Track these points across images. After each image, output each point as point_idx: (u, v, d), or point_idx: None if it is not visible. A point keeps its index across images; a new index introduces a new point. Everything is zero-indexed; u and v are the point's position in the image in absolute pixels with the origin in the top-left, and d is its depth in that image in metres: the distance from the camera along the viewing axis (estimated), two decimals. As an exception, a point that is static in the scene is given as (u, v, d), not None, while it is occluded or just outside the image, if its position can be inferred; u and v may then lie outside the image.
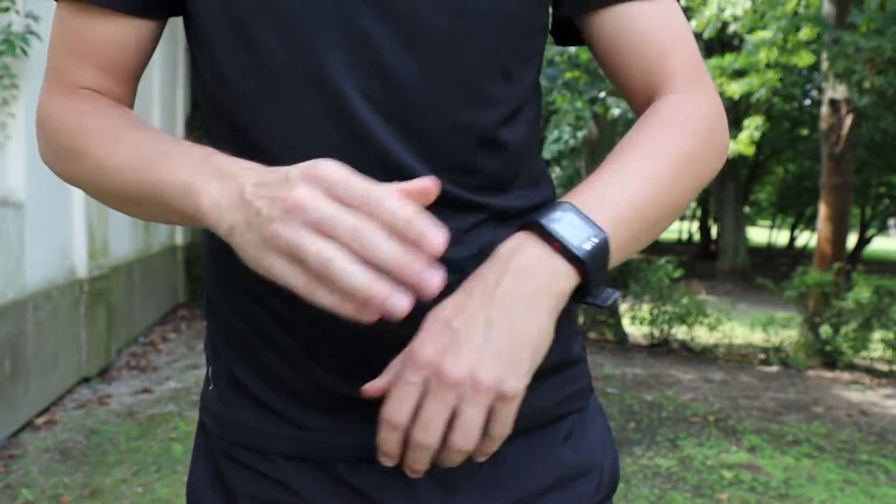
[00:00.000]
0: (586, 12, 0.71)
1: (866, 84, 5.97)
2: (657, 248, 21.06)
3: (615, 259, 0.62)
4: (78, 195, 4.52)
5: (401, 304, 0.50)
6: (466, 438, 0.56)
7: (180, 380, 4.72)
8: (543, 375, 0.66)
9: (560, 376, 0.75)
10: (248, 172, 0.55)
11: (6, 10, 3.48)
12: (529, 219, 0.60)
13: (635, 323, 6.55)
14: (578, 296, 0.61)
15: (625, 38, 0.70)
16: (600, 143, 8.19)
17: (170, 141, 0.63)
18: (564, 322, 0.73)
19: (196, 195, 0.57)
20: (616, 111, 6.79)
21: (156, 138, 0.64)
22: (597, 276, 0.59)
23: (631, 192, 0.62)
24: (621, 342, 6.53)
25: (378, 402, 0.59)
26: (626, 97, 0.75)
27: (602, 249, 0.59)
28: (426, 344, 0.56)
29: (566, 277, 0.58)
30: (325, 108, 0.64)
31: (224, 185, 0.55)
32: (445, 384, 0.54)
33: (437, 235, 0.50)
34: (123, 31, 0.71)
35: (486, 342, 0.55)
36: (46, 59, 0.74)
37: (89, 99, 0.70)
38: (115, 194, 0.66)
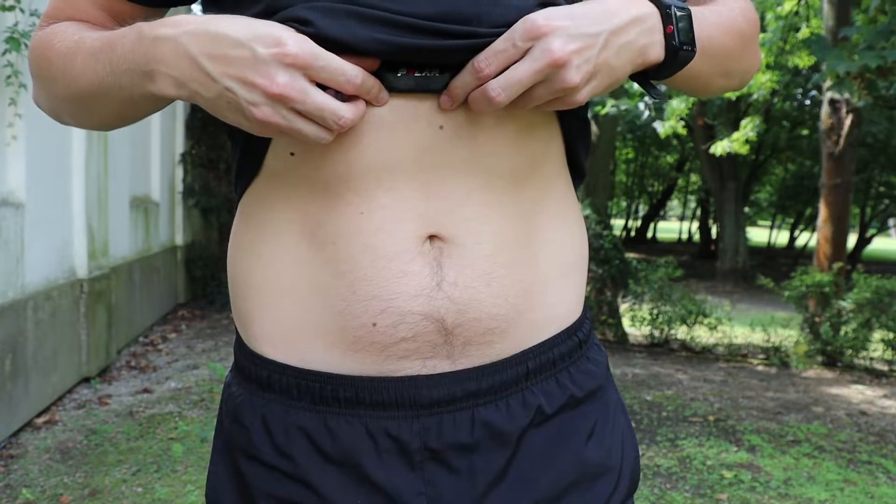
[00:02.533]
0: None
1: (855, 99, 6.00)
2: (657, 248, 21.06)
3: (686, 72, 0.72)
4: (78, 195, 4.52)
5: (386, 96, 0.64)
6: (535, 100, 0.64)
7: (180, 380, 4.72)
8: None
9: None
10: (188, 37, 0.61)
11: (11, 8, 3.48)
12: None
13: (635, 323, 6.55)
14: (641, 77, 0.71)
15: None
16: (599, 142, 8.19)
17: (115, 32, 0.67)
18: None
19: (151, 77, 0.63)
20: (613, 110, 6.79)
21: (104, 34, 0.69)
22: (670, 72, 0.69)
23: (715, 23, 0.74)
24: (621, 342, 6.53)
25: None
26: None
27: (689, 25, 0.68)
28: (545, 18, 0.62)
29: (657, 54, 0.68)
30: None
31: (171, 60, 0.62)
32: (549, 59, 0.61)
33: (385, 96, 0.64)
34: (130, 9, 0.77)
35: (590, 56, 0.62)
36: (47, 8, 0.79)
37: (67, 25, 0.75)
38: (84, 101, 0.71)
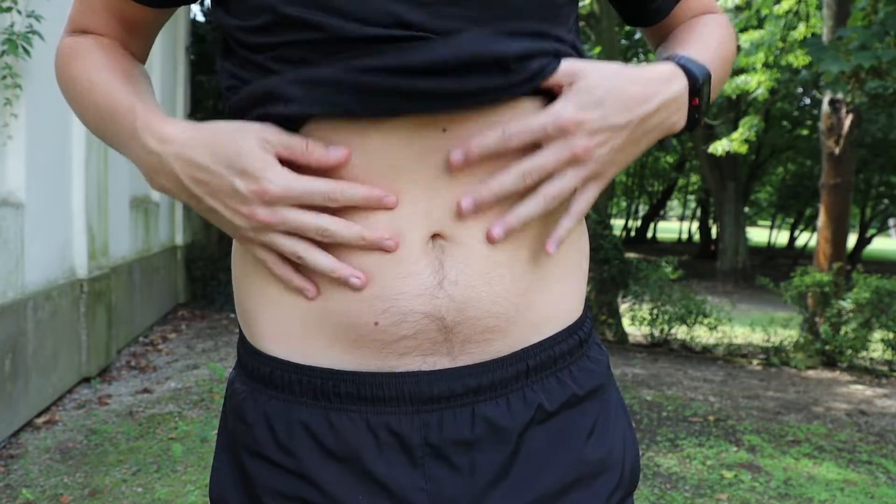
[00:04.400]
0: (656, 22, 0.86)
1: (850, 98, 6.01)
2: (657, 248, 21.06)
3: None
4: (78, 195, 4.52)
5: (358, 281, 0.66)
6: (557, 195, 0.66)
7: (180, 380, 4.72)
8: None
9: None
10: (172, 159, 0.66)
11: (8, 10, 3.48)
12: (686, 61, 0.71)
13: (635, 323, 6.55)
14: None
15: (676, 15, 0.85)
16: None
17: (114, 99, 0.72)
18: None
19: (145, 176, 0.69)
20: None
21: (109, 91, 0.73)
22: (682, 133, 0.73)
23: (714, 61, 0.76)
24: (621, 342, 6.53)
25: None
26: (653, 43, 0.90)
27: (708, 94, 0.72)
28: (570, 109, 0.64)
29: (679, 127, 0.71)
30: None
31: (160, 173, 0.67)
32: (570, 155, 0.64)
33: (387, 196, 0.65)
34: (142, 12, 0.79)
35: (614, 145, 0.66)
36: (70, 10, 0.82)
37: (92, 49, 0.79)
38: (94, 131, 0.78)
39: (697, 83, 0.70)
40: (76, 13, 0.81)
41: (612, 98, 0.65)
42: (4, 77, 3.56)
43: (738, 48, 7.28)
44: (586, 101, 0.64)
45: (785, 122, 15.99)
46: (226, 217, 0.66)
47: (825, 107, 6.79)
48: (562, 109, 0.64)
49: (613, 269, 6.36)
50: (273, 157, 0.64)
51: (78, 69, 0.77)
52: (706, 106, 0.71)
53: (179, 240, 7.36)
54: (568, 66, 0.66)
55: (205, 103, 7.96)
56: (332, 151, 0.64)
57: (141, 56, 0.84)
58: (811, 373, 5.80)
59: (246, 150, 0.64)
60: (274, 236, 0.65)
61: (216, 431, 3.05)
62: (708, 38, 0.79)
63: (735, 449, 3.84)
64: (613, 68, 0.67)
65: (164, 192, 0.69)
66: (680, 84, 0.69)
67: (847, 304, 5.84)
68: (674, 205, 33.55)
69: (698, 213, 20.98)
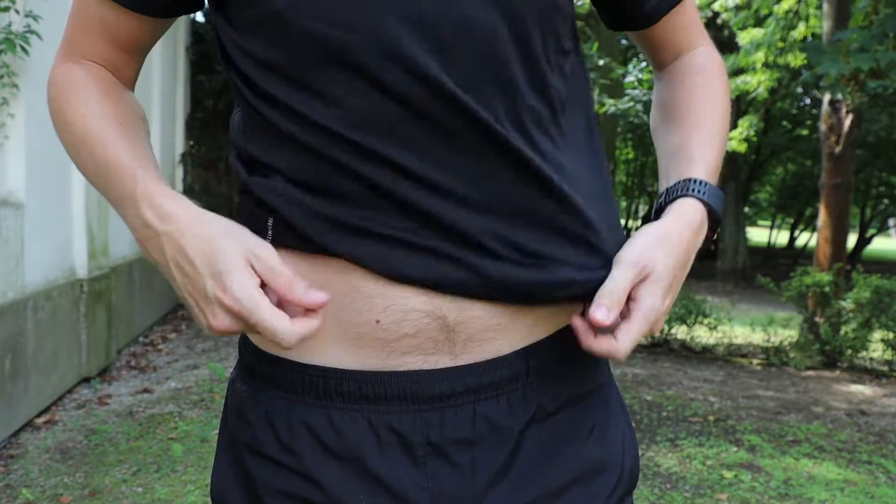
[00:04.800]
0: (642, 28, 0.87)
1: (850, 99, 6.02)
2: (657, 248, 21.00)
3: None
4: (78, 195, 4.52)
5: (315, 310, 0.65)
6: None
7: (180, 380, 4.72)
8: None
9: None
10: (166, 238, 0.66)
11: (6, 9, 3.48)
12: (700, 192, 0.77)
13: (635, 323, 6.53)
14: None
15: (663, 31, 0.87)
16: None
17: (115, 159, 0.71)
18: None
19: (137, 241, 0.70)
20: (612, 109, 6.80)
21: (108, 153, 0.71)
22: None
23: (716, 150, 0.82)
24: (621, 342, 6.51)
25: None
26: (652, 59, 0.92)
27: (721, 209, 0.79)
28: (657, 303, 0.71)
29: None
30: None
31: (152, 245, 0.67)
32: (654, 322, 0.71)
33: (318, 296, 0.64)
34: (139, 24, 0.77)
35: (671, 292, 0.73)
36: (64, 33, 0.81)
37: (86, 86, 0.76)
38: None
39: (718, 223, 0.78)
40: (70, 35, 0.80)
41: (676, 280, 0.74)
42: (1, 77, 3.56)
43: (738, 48, 7.29)
44: (664, 290, 0.72)
45: (785, 122, 15.98)
46: (192, 307, 0.67)
47: (825, 107, 6.78)
48: (651, 307, 0.71)
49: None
50: (249, 270, 0.64)
51: (72, 112, 0.75)
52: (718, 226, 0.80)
53: (179, 240, 7.35)
54: (633, 259, 0.71)
55: (205, 103, 7.96)
56: (310, 295, 0.64)
57: (134, 77, 0.83)
58: (811, 373, 5.80)
59: (229, 256, 0.64)
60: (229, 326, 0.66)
61: (216, 431, 3.05)
62: (712, 120, 0.84)
63: (735, 449, 3.84)
64: (668, 246, 0.73)
65: (151, 261, 0.70)
66: (705, 229, 0.77)
67: (847, 304, 5.83)
68: (674, 205, 33.48)
69: (698, 213, 20.94)
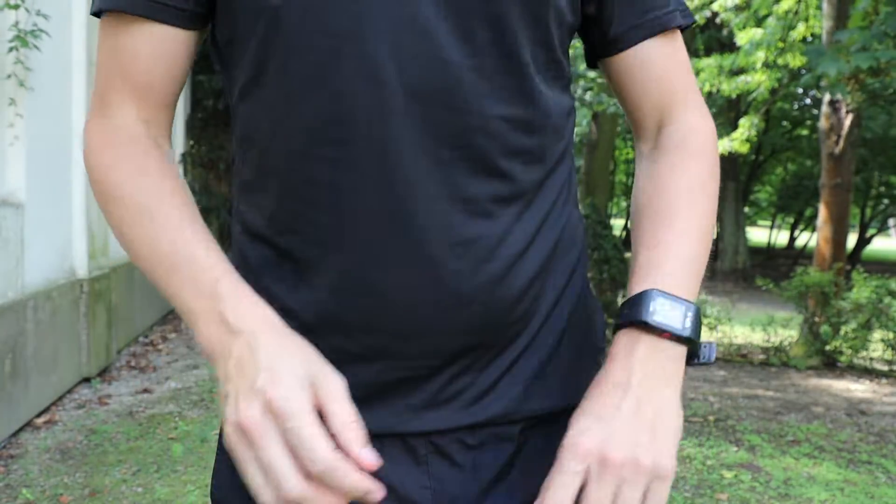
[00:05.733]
0: (613, 54, 0.78)
1: (850, 99, 6.02)
2: (657, 248, 21.01)
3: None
4: (78, 195, 4.52)
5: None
6: None
7: (180, 380, 4.72)
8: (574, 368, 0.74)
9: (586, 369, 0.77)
10: (236, 340, 0.60)
11: (16, 7, 3.49)
12: (629, 316, 0.65)
13: (635, 323, 6.53)
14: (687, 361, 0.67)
15: (641, 72, 0.77)
16: (599, 142, 8.19)
17: (185, 244, 0.66)
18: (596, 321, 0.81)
19: (194, 327, 0.64)
20: (613, 109, 6.80)
21: (176, 238, 0.66)
22: (700, 342, 0.66)
23: (690, 249, 0.70)
24: (621, 342, 6.52)
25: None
26: (633, 121, 0.81)
27: (697, 317, 0.66)
28: (583, 435, 0.61)
29: (680, 357, 0.65)
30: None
31: (218, 342, 0.61)
32: (610, 468, 0.59)
33: (369, 456, 0.55)
34: (167, 41, 0.71)
35: (637, 428, 0.60)
36: (94, 84, 0.75)
37: (131, 157, 0.71)
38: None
39: (697, 356, 0.67)
40: (102, 87, 0.74)
41: (642, 449, 0.62)
42: (10, 77, 3.56)
43: (738, 48, 7.28)
44: (614, 482, 0.60)
45: (785, 122, 15.98)
46: (228, 400, 0.59)
47: (825, 107, 6.78)
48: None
49: (613, 269, 6.36)
50: (309, 388, 0.57)
51: (122, 181, 0.70)
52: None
53: (179, 240, 7.36)
54: (588, 446, 0.61)
55: (205, 103, 7.96)
56: (365, 454, 0.56)
57: (168, 135, 0.77)
58: (811, 373, 5.79)
59: (294, 365, 0.58)
60: (246, 450, 0.57)
61: (216, 431, 3.04)
62: (694, 236, 0.71)
63: (735, 449, 3.84)
64: (617, 417, 0.62)
65: (205, 349, 0.63)
66: (679, 381, 0.65)
67: (847, 305, 5.83)
68: (674, 205, 33.49)
69: (698, 213, 20.95)
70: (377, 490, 0.56)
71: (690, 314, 0.65)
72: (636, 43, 0.76)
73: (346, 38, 0.64)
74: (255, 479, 0.56)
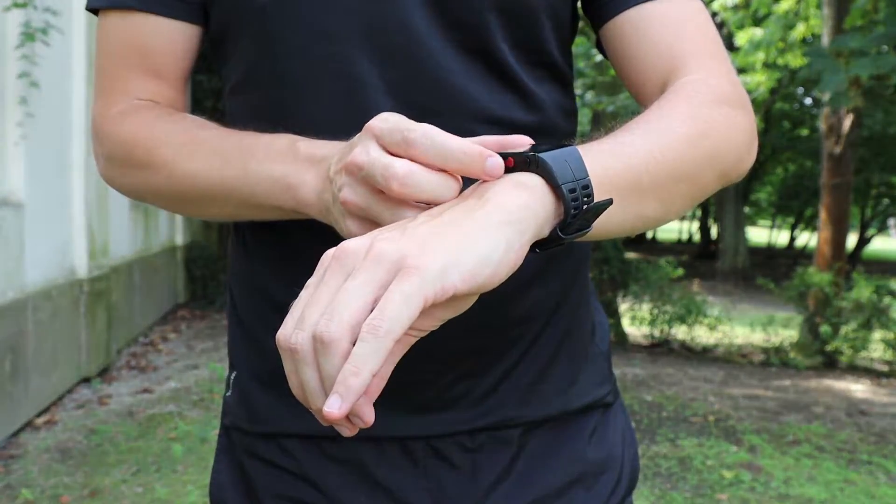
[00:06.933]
0: (606, 20, 0.70)
1: (852, 105, 6.05)
2: (657, 248, 21.04)
3: (612, 220, 0.55)
4: (78, 195, 4.52)
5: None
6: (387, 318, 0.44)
7: (180, 380, 4.72)
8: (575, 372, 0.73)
9: (589, 373, 0.76)
10: (333, 153, 0.56)
11: (24, 4, 3.49)
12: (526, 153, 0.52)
13: (635, 323, 6.54)
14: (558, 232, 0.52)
15: (642, 36, 0.68)
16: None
17: (247, 135, 0.63)
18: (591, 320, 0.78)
19: (295, 189, 0.58)
20: (611, 107, 6.80)
21: (231, 135, 0.64)
22: (577, 219, 0.51)
23: (630, 158, 0.56)
24: (621, 342, 6.52)
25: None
26: (640, 104, 0.70)
27: (572, 156, 0.50)
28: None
29: (532, 187, 0.50)
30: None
31: (318, 173, 0.57)
32: (349, 255, 0.46)
33: (496, 161, 0.48)
34: (176, 35, 0.71)
35: (415, 231, 0.47)
36: (95, 81, 0.74)
37: (151, 108, 0.70)
38: (193, 198, 0.66)
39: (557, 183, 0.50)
40: (106, 83, 0.73)
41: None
42: (21, 75, 3.56)
43: (738, 48, 7.29)
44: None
45: (785, 122, 15.98)
46: (337, 183, 0.54)
47: (825, 107, 6.79)
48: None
49: (613, 269, 6.36)
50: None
51: (160, 130, 0.67)
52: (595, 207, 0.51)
53: (179, 240, 7.36)
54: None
55: (205, 103, 7.96)
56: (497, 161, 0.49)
57: (187, 109, 0.76)
58: (811, 373, 5.80)
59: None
60: (361, 189, 0.52)
61: (216, 431, 3.04)
62: (660, 119, 0.60)
63: (735, 449, 3.84)
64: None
65: (305, 200, 0.58)
66: (520, 212, 0.48)
67: (847, 304, 5.84)
68: (674, 205, 33.47)
69: (698, 212, 20.98)
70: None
71: (560, 149, 0.51)
72: (625, 5, 0.68)
73: (333, 39, 0.64)
74: (385, 215, 0.50)
